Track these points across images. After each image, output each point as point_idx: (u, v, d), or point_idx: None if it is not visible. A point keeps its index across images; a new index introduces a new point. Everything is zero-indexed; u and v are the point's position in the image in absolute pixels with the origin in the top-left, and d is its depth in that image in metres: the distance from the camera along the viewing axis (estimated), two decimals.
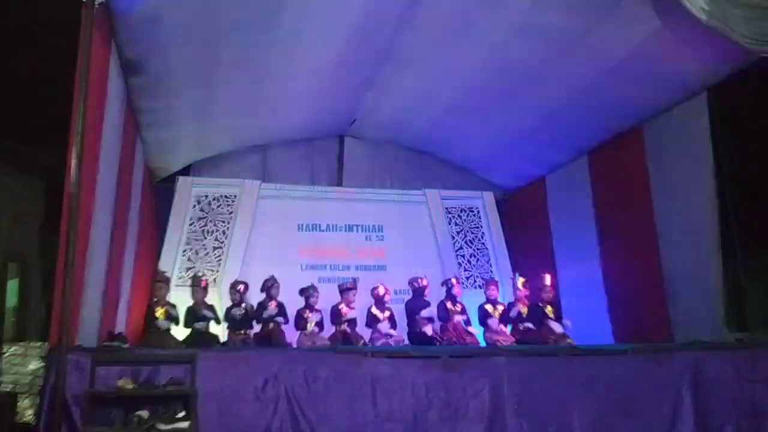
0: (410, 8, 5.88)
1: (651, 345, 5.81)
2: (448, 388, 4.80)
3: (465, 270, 9.04)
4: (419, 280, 7.53)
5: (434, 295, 7.61)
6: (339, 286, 7.42)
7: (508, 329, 7.50)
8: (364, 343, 6.83)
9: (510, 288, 7.92)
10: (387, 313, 7.26)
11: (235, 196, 8.54)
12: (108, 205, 5.36)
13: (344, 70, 7.02)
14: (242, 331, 6.72)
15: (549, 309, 7.36)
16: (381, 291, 7.31)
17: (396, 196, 9.23)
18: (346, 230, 8.84)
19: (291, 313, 6.97)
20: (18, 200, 8.25)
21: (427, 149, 9.46)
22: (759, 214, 7.30)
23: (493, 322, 7.36)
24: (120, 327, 5.87)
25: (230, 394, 4.44)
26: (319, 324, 6.96)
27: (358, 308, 7.23)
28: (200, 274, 7.39)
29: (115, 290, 5.85)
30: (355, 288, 7.28)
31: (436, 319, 7.32)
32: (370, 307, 7.29)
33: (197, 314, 6.67)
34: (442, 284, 7.73)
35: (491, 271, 9.05)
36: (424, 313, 7.19)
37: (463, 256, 9.17)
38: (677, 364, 5.21)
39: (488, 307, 7.46)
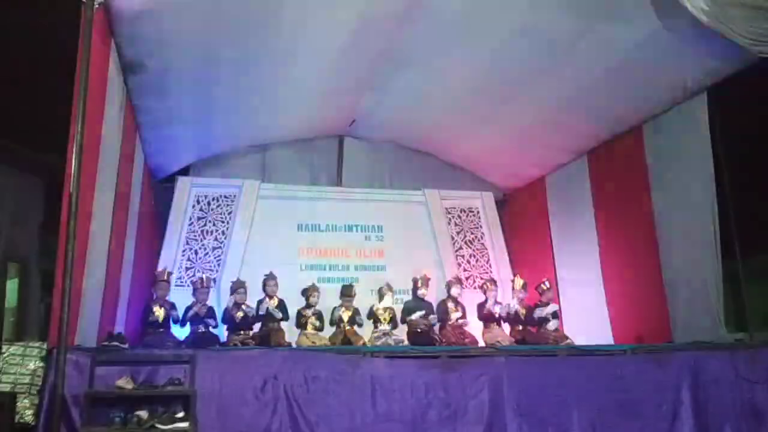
0: (410, 9, 5.87)
1: (651, 345, 5.81)
2: (447, 388, 4.81)
3: (465, 270, 9.00)
4: (416, 280, 7.54)
5: (435, 295, 7.59)
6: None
7: (507, 329, 7.50)
8: (364, 343, 6.83)
9: (509, 288, 7.92)
10: (388, 313, 7.26)
11: (235, 196, 8.50)
12: (108, 205, 5.36)
13: (344, 71, 7.01)
14: (242, 332, 6.71)
15: (547, 309, 7.35)
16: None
17: (396, 196, 9.18)
18: (345, 230, 8.81)
19: (291, 312, 6.97)
20: (18, 200, 8.25)
21: (427, 149, 9.45)
22: (758, 214, 7.31)
23: (492, 322, 7.36)
24: (119, 327, 5.88)
25: (229, 395, 4.44)
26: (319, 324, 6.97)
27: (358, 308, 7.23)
28: (202, 276, 7.32)
29: (114, 290, 5.86)
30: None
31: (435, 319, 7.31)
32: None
33: (196, 315, 6.66)
34: (446, 286, 7.72)
35: (491, 272, 9.02)
36: (414, 316, 7.17)
37: (462, 256, 9.14)
38: (677, 364, 5.23)
39: (488, 306, 7.45)
